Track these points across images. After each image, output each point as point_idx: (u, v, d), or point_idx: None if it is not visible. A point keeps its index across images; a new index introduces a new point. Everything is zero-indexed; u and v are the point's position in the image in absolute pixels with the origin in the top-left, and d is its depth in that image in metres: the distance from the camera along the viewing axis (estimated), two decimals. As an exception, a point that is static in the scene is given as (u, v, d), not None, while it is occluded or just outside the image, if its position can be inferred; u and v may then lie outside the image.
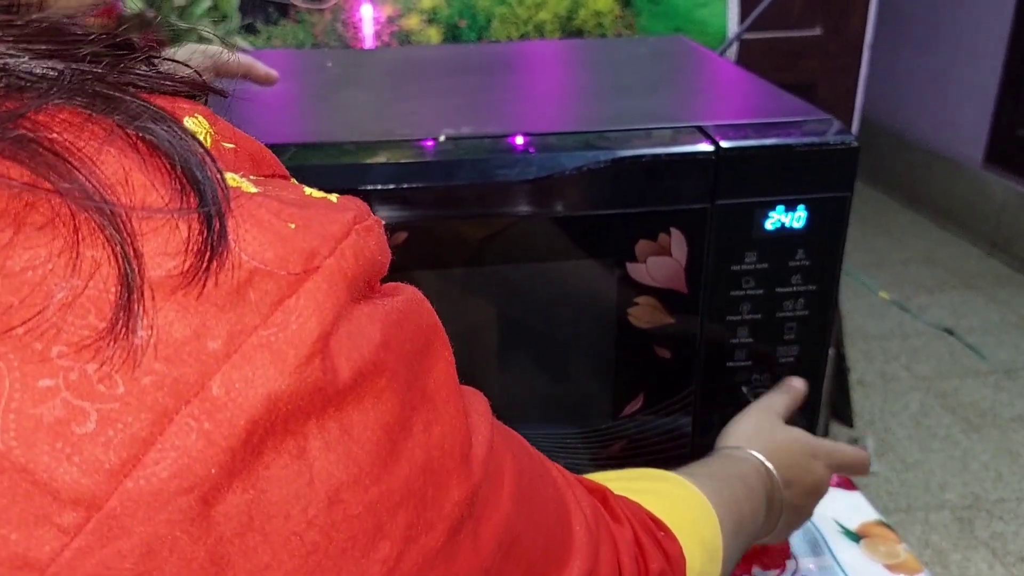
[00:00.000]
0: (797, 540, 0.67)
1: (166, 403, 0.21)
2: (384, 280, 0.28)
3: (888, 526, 0.69)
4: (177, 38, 0.95)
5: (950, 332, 2.29)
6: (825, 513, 0.70)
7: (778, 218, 0.60)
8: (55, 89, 0.22)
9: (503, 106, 0.74)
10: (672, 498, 0.47)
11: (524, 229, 0.60)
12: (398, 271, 0.61)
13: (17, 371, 0.20)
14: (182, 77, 0.26)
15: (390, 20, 1.03)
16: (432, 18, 1.04)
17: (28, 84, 0.21)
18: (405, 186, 0.57)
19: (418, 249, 0.59)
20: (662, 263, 0.61)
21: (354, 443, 0.24)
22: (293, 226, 0.24)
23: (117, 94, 0.23)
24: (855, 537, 0.68)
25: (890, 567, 0.65)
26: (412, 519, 0.26)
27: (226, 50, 0.59)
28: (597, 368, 0.65)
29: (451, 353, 0.30)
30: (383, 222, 0.28)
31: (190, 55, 0.56)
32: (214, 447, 0.21)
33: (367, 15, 1.01)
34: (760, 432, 0.59)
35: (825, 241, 0.62)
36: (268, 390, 0.22)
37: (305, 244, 0.24)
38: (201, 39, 0.96)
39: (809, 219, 0.61)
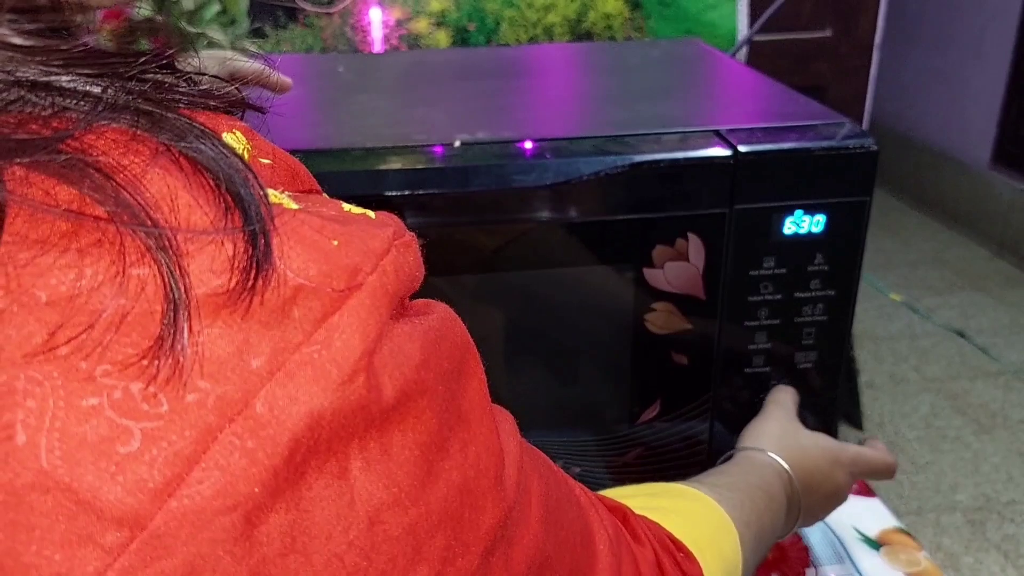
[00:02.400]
0: (817, 548, 0.67)
1: (210, 421, 0.21)
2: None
3: (908, 533, 0.69)
4: (186, 43, 0.95)
5: (960, 333, 2.28)
6: (844, 520, 0.69)
7: (796, 223, 0.60)
8: (101, 108, 0.22)
9: (518, 111, 0.74)
10: (692, 516, 0.47)
11: (541, 235, 0.59)
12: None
13: (61, 390, 0.20)
14: (221, 94, 0.26)
15: (399, 23, 1.02)
16: (441, 21, 1.03)
17: (74, 104, 0.22)
18: (421, 192, 0.56)
19: (434, 255, 0.58)
20: (680, 268, 0.60)
21: (394, 464, 0.24)
22: (336, 242, 0.24)
23: (161, 112, 0.23)
24: (875, 545, 0.67)
25: (911, 575, 0.64)
26: (449, 541, 0.26)
27: (241, 57, 0.58)
28: (613, 374, 0.64)
29: (483, 371, 0.30)
30: (416, 238, 0.28)
31: (205, 61, 0.56)
32: (257, 465, 0.21)
33: (376, 19, 1.01)
34: (785, 436, 0.58)
35: (844, 245, 0.61)
36: (311, 407, 0.22)
37: (348, 260, 0.24)
38: (210, 44, 0.96)
39: (828, 223, 0.60)
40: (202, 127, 0.23)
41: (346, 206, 0.27)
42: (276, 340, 0.22)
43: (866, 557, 0.66)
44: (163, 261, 0.21)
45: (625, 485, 0.51)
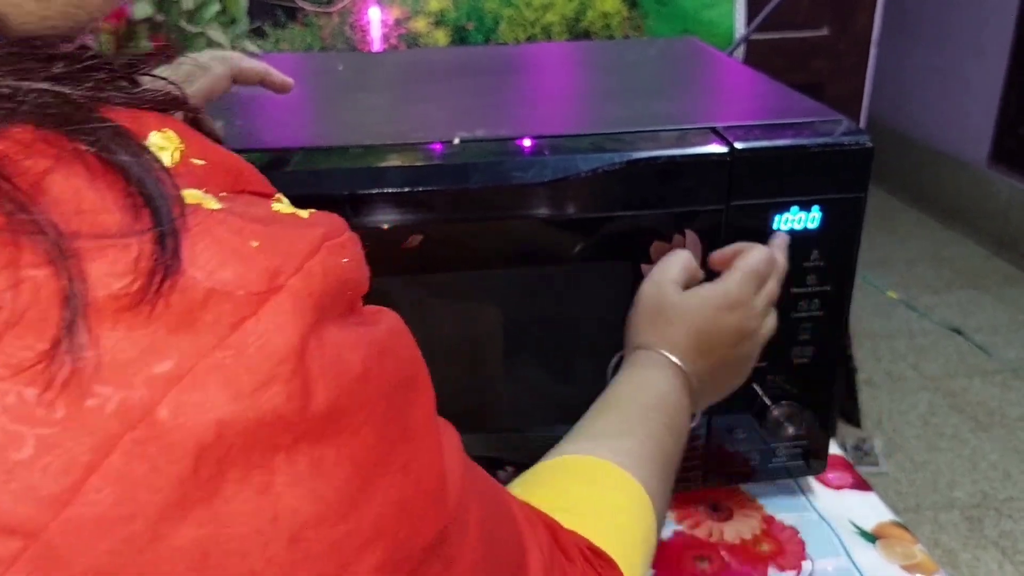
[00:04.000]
0: (814, 541, 0.67)
1: (110, 427, 0.20)
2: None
3: (904, 527, 0.69)
4: (186, 42, 0.96)
5: (958, 331, 2.29)
6: (841, 514, 0.70)
7: (793, 219, 0.60)
8: (4, 110, 0.21)
9: (516, 109, 0.74)
10: (607, 512, 0.45)
11: (538, 231, 0.59)
12: (413, 273, 0.61)
13: None
14: (155, 92, 0.25)
15: (398, 23, 1.03)
16: (440, 20, 1.03)
17: None
18: (420, 189, 0.57)
19: (432, 252, 0.59)
20: (677, 265, 0.61)
21: (324, 480, 0.23)
22: (256, 243, 0.23)
23: (70, 111, 0.22)
24: (871, 538, 0.68)
25: (907, 568, 0.64)
26: (381, 560, 0.25)
27: (244, 56, 0.59)
28: (610, 370, 0.65)
29: (431, 387, 0.29)
30: (357, 238, 0.27)
31: (210, 60, 0.56)
32: (160, 474, 0.21)
33: (375, 18, 1.01)
34: (655, 317, 0.53)
35: (840, 242, 0.61)
36: (219, 415, 0.21)
37: (268, 262, 0.23)
38: (210, 42, 0.96)
39: (824, 220, 0.60)
40: (116, 126, 0.22)
41: (277, 206, 0.26)
42: (184, 345, 0.21)
43: (862, 550, 0.66)
44: (59, 263, 0.20)
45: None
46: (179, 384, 0.21)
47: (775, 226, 0.60)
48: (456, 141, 0.60)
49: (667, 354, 0.52)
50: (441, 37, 1.04)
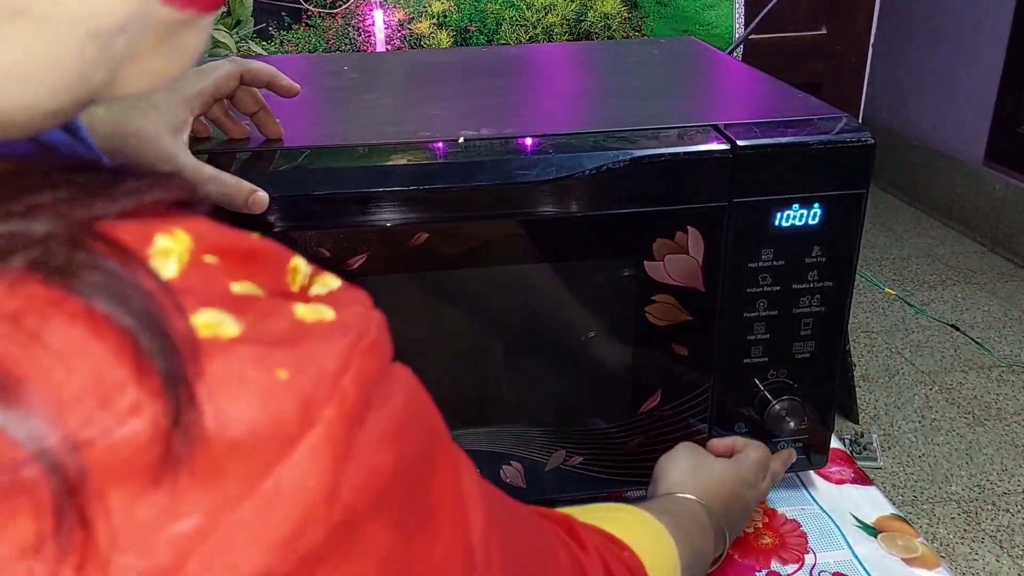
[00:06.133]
0: (815, 534, 0.68)
1: None
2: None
3: (905, 520, 0.70)
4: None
5: (954, 327, 2.30)
6: (842, 507, 0.71)
7: (794, 215, 0.61)
8: None
9: (520, 108, 0.75)
10: (631, 524, 0.49)
11: (543, 229, 0.60)
12: (418, 271, 0.62)
13: None
14: (157, 196, 0.22)
15: (401, 24, 1.04)
16: (442, 22, 1.04)
17: None
18: (426, 187, 0.58)
19: (438, 250, 0.60)
20: (680, 261, 0.62)
21: None
22: (284, 374, 0.21)
23: (64, 257, 0.19)
24: (872, 531, 0.69)
25: (908, 561, 0.65)
26: None
27: (254, 59, 0.59)
28: (615, 366, 0.66)
29: (451, 447, 0.28)
30: (383, 320, 0.24)
31: (220, 62, 0.57)
32: None
33: (378, 20, 1.02)
34: (697, 471, 0.61)
35: (841, 238, 0.62)
36: (253, 569, 0.20)
37: (299, 395, 0.21)
38: (215, 45, 0.97)
39: (825, 216, 0.61)
40: (110, 262, 0.20)
41: (301, 310, 0.23)
42: (209, 501, 0.19)
43: (864, 543, 0.67)
44: (67, 433, 0.18)
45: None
46: (205, 543, 0.19)
47: (776, 223, 0.61)
48: (461, 140, 0.61)
49: (701, 503, 0.58)
50: (444, 38, 1.05)
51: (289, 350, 0.21)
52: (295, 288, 0.24)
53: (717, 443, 0.66)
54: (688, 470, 0.61)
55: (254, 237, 0.24)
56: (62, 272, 0.19)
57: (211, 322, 0.21)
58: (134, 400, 0.19)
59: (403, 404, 0.24)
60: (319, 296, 0.24)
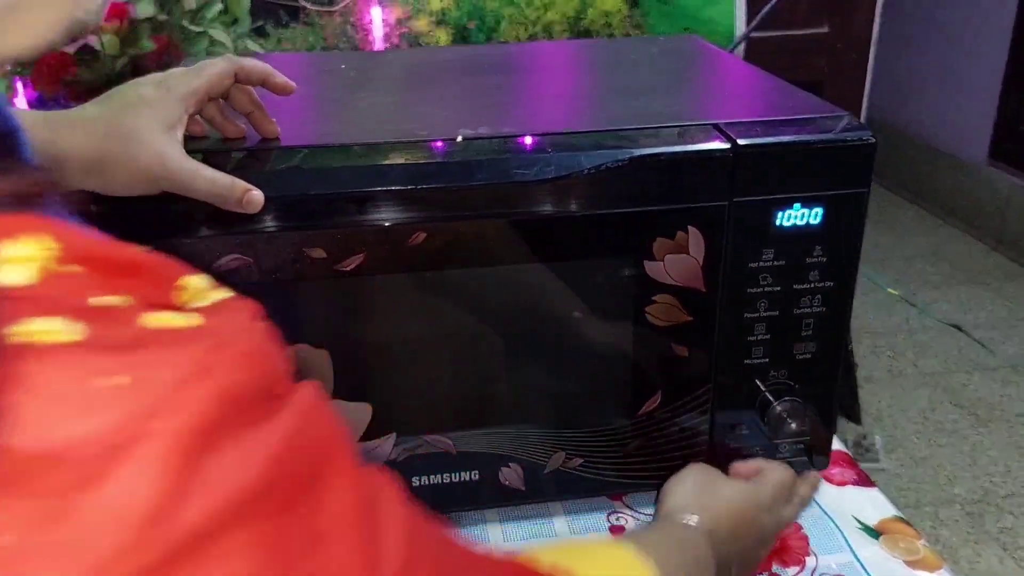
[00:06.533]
0: (817, 537, 0.68)
1: None
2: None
3: (906, 522, 0.69)
4: (188, 41, 0.96)
5: (958, 327, 2.29)
6: (844, 509, 0.70)
7: (795, 215, 0.60)
8: None
9: (519, 106, 0.74)
10: (605, 563, 0.45)
11: (542, 228, 0.60)
12: (417, 271, 0.61)
13: None
14: (13, 194, 0.22)
15: (399, 22, 1.03)
16: (441, 20, 1.04)
17: None
18: (424, 187, 0.57)
19: (436, 249, 0.59)
20: (680, 261, 0.61)
21: None
22: (119, 381, 0.20)
23: None
24: (874, 533, 0.68)
25: (910, 563, 0.65)
26: None
27: (249, 57, 0.59)
28: (614, 367, 0.65)
29: (352, 470, 0.26)
30: (266, 329, 0.23)
31: (214, 60, 0.57)
32: None
33: (376, 17, 1.02)
34: (703, 492, 0.59)
35: (842, 237, 0.62)
36: None
37: (130, 405, 0.20)
38: (212, 42, 0.97)
39: (826, 215, 0.61)
40: None
41: (153, 319, 0.22)
42: (21, 517, 0.18)
43: (866, 546, 0.67)
44: None
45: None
46: (20, 563, 0.18)
47: (777, 222, 0.60)
48: (460, 139, 0.61)
49: (703, 526, 0.55)
50: (443, 36, 1.04)
51: (129, 356, 0.20)
52: (179, 303, 0.23)
53: (740, 465, 0.63)
54: (693, 491, 0.59)
55: (138, 250, 0.23)
56: None
57: (47, 329, 0.20)
58: None
59: (286, 422, 0.23)
60: (197, 308, 0.23)
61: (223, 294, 0.24)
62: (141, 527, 0.19)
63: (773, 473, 0.61)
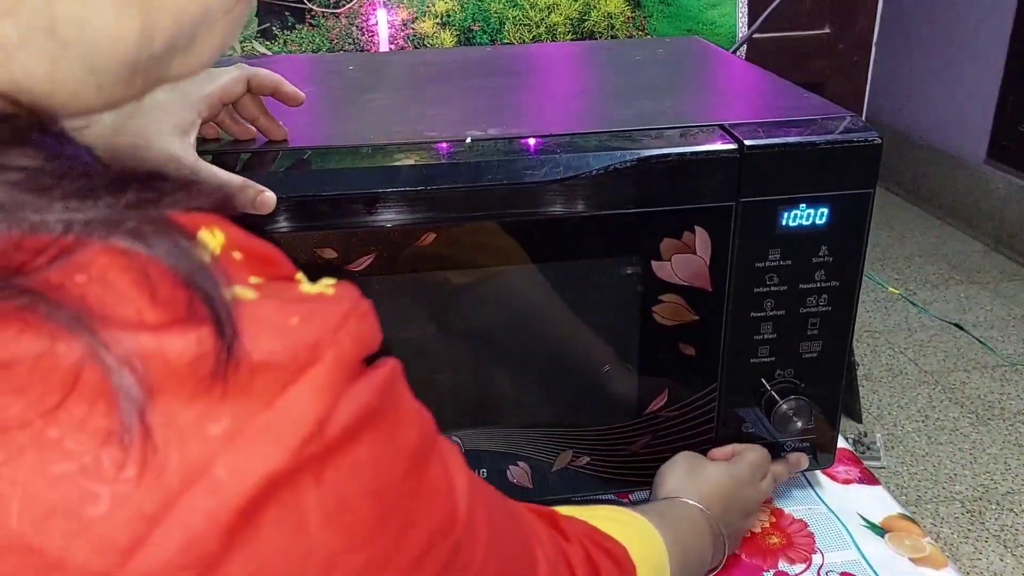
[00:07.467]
0: (823, 534, 0.68)
1: (172, 484, 0.23)
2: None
3: (912, 520, 0.70)
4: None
5: (958, 326, 2.30)
6: (849, 507, 0.71)
7: (801, 215, 0.61)
8: (81, 228, 0.23)
9: (526, 108, 0.75)
10: (617, 520, 0.51)
11: (550, 228, 0.60)
12: (425, 271, 0.61)
13: (32, 458, 0.22)
14: (201, 202, 0.27)
15: (405, 24, 1.04)
16: (446, 22, 1.04)
17: (59, 227, 0.23)
18: (433, 188, 0.57)
19: (445, 250, 0.59)
20: (687, 261, 0.62)
21: (349, 513, 0.26)
22: (296, 320, 0.25)
23: (138, 225, 0.24)
24: (880, 531, 0.68)
25: (916, 561, 0.65)
26: (403, 571, 0.28)
27: (260, 66, 0.59)
28: (621, 365, 0.66)
29: (435, 428, 0.32)
30: (372, 306, 0.29)
31: (227, 68, 0.57)
32: (216, 525, 0.23)
33: (382, 19, 1.02)
34: (693, 476, 0.64)
35: (848, 237, 0.62)
36: (268, 470, 0.24)
37: (308, 335, 0.25)
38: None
39: (832, 216, 0.61)
40: (178, 231, 0.25)
41: (305, 287, 0.28)
42: (236, 409, 0.24)
43: (871, 543, 0.67)
44: (131, 352, 0.23)
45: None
46: (232, 443, 0.23)
47: (783, 222, 0.61)
48: (468, 140, 0.61)
49: (699, 506, 0.61)
50: (447, 38, 1.04)
51: (299, 306, 0.26)
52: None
53: (716, 451, 0.68)
54: (684, 475, 0.64)
55: (272, 246, 0.29)
56: (144, 240, 0.24)
57: (235, 292, 0.26)
58: (188, 329, 0.23)
59: (388, 371, 0.29)
60: (325, 285, 0.29)
61: (331, 280, 0.29)
62: (320, 421, 0.25)
63: (748, 453, 0.67)
